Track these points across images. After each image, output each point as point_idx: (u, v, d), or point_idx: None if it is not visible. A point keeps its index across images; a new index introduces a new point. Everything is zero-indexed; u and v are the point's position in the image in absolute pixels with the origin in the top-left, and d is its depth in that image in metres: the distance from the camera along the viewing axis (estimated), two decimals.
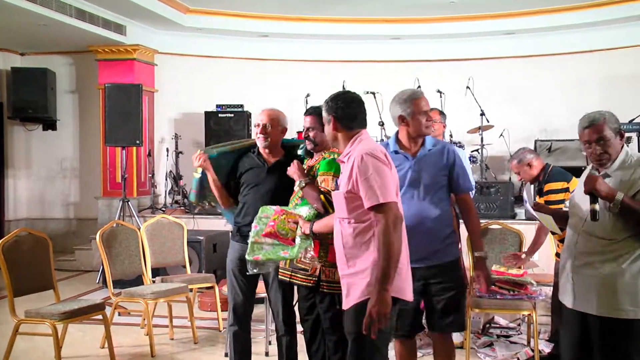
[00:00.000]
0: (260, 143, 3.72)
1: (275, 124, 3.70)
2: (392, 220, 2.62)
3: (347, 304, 2.82)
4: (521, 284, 4.24)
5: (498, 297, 4.25)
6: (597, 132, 2.80)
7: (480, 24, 8.60)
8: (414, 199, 3.24)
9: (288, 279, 3.48)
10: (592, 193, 2.72)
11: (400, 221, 2.67)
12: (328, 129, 2.95)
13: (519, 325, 5.20)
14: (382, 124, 7.30)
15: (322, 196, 3.29)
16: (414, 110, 3.24)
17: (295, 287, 3.70)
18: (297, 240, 3.26)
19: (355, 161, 2.71)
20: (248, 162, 3.79)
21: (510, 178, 8.20)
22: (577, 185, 3.07)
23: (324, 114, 2.96)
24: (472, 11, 8.35)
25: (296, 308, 3.79)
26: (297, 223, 3.28)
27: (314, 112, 3.48)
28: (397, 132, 3.37)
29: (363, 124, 2.91)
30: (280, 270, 3.52)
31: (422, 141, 3.33)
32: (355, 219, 2.75)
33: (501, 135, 7.99)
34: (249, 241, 3.32)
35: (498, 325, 5.12)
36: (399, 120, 3.28)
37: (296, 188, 3.48)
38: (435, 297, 3.26)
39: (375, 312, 2.57)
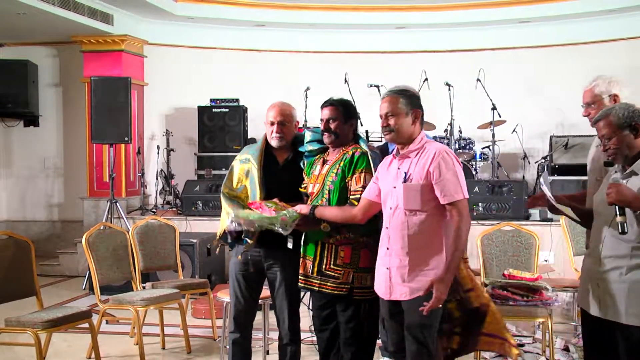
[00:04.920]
0: (275, 143, 3.71)
1: (290, 120, 3.70)
2: (466, 214, 3.01)
3: (408, 294, 3.07)
4: (535, 289, 4.25)
5: (511, 303, 4.26)
6: (603, 126, 2.86)
7: (491, 11, 8.61)
8: None
9: (317, 288, 3.47)
10: (617, 204, 2.71)
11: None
12: (407, 121, 3.14)
13: (533, 333, 5.21)
14: None
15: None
16: None
17: (307, 294, 3.70)
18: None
19: (437, 156, 3.04)
20: (265, 166, 3.74)
21: (524, 176, 8.22)
22: (604, 182, 3.06)
23: (403, 106, 3.13)
24: None
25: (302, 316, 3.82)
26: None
27: (333, 103, 3.52)
28: None
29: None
30: (305, 279, 3.52)
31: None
32: (426, 212, 3.04)
33: (514, 131, 8.00)
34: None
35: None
36: None
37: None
38: None
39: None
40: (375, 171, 3.38)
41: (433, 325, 3.07)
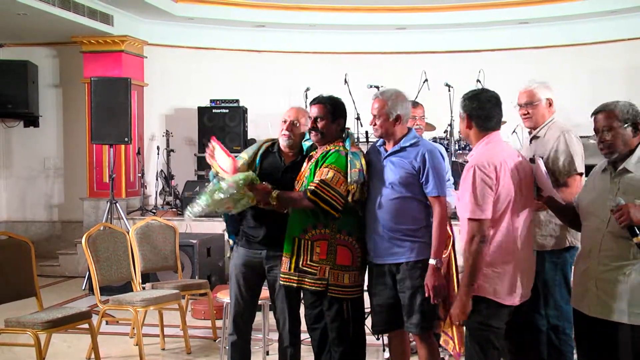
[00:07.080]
0: (282, 141, 3.71)
1: (302, 123, 3.71)
2: (471, 237, 2.94)
3: None
4: None
5: None
6: (604, 118, 2.85)
7: (491, 12, 8.62)
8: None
9: (296, 285, 3.49)
10: (632, 226, 2.64)
11: (481, 240, 2.94)
12: (462, 126, 3.23)
13: None
14: None
15: (309, 194, 3.36)
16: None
17: (302, 295, 3.71)
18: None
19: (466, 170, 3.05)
20: (268, 162, 3.77)
21: None
22: (590, 181, 3.06)
23: (460, 110, 3.21)
24: None
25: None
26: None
27: (321, 101, 3.54)
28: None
29: (497, 126, 3.20)
30: (284, 276, 3.53)
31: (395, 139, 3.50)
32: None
33: (514, 132, 7.98)
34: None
35: None
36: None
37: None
38: (400, 294, 3.38)
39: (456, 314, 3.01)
40: (349, 171, 3.37)
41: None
